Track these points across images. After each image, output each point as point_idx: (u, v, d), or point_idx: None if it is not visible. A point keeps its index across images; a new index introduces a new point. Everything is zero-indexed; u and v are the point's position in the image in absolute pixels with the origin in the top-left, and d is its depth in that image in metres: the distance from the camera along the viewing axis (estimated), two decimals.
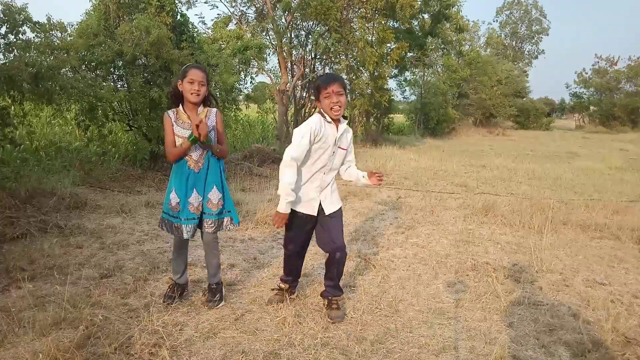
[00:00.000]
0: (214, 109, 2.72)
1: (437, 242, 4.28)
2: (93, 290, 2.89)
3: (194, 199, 2.62)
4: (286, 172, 2.47)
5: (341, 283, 2.86)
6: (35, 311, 2.55)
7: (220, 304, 2.79)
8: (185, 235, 2.64)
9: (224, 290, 2.88)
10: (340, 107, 2.50)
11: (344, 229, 4.59)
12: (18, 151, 5.71)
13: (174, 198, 2.62)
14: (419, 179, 7.68)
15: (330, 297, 2.76)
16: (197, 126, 2.47)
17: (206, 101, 2.68)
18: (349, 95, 13.53)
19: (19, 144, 5.33)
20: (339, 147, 2.64)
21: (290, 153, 2.47)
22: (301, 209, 2.63)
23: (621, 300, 3.12)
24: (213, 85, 7.12)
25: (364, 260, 3.69)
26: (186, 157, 2.59)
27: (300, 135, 2.50)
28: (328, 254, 2.72)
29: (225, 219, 2.75)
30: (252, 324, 2.60)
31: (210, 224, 2.68)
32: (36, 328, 2.36)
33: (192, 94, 2.54)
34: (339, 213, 2.72)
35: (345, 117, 2.68)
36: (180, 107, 2.63)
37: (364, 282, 3.26)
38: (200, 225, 2.70)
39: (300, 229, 2.70)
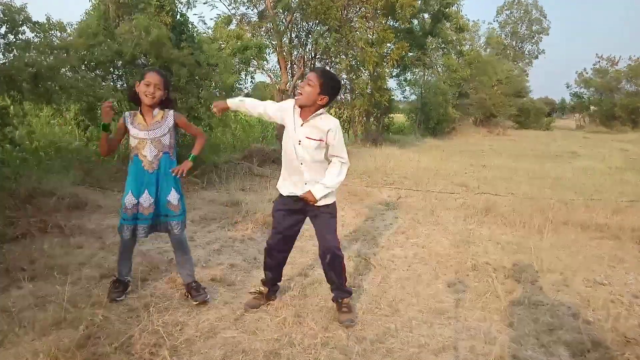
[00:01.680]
0: (171, 110, 2.76)
1: (437, 242, 4.28)
2: (93, 290, 2.89)
3: (145, 199, 2.65)
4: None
5: (356, 274, 2.85)
6: (36, 311, 2.55)
7: (207, 297, 2.81)
8: (140, 235, 2.70)
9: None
10: (301, 94, 2.53)
11: (344, 229, 4.62)
12: (18, 151, 5.71)
13: (130, 200, 2.65)
14: (419, 179, 7.67)
15: (339, 300, 2.73)
16: (105, 111, 2.57)
17: (166, 105, 2.74)
18: (348, 95, 13.60)
19: (18, 144, 5.32)
20: (307, 137, 2.54)
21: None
22: (284, 190, 2.68)
23: (621, 300, 3.12)
24: (213, 85, 7.12)
25: (364, 260, 3.69)
26: (140, 158, 2.65)
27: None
28: (319, 255, 2.71)
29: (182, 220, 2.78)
30: (252, 324, 2.60)
31: (175, 225, 2.73)
32: (36, 328, 2.36)
33: (146, 95, 2.60)
34: (330, 210, 2.67)
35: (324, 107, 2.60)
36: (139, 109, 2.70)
37: (364, 282, 3.26)
38: (155, 228, 2.75)
39: (280, 221, 2.71)
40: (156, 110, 2.69)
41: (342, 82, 13.29)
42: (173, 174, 2.64)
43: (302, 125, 2.55)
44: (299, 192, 2.62)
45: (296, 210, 2.70)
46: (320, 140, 2.55)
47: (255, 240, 4.18)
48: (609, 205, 5.74)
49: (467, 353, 2.38)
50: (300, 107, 2.56)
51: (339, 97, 13.47)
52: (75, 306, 2.59)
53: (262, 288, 2.89)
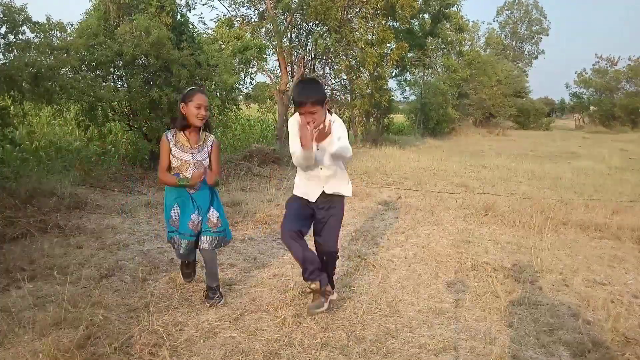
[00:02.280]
0: (212, 136, 2.78)
1: (437, 242, 4.28)
2: (93, 290, 2.89)
3: (195, 216, 2.70)
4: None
5: (336, 278, 2.94)
6: (35, 311, 2.55)
7: (221, 301, 2.82)
8: (182, 251, 2.74)
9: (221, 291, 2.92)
10: (314, 122, 2.46)
11: (344, 229, 4.62)
12: (18, 151, 5.72)
13: (174, 213, 2.72)
14: (419, 179, 7.67)
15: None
16: (196, 177, 2.58)
17: (208, 125, 2.77)
18: (348, 96, 13.61)
19: (19, 144, 5.33)
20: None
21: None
22: (298, 191, 2.72)
23: (621, 300, 3.12)
24: (213, 85, 7.13)
25: (364, 260, 3.69)
26: (181, 176, 2.65)
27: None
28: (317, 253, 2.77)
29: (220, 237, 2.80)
30: (252, 324, 2.60)
31: (211, 240, 2.74)
32: (36, 328, 2.36)
33: (198, 118, 2.59)
34: (337, 208, 2.71)
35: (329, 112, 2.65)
36: (179, 130, 2.67)
37: (364, 282, 3.26)
38: (196, 243, 2.77)
39: (295, 208, 2.70)
40: (202, 133, 2.72)
41: (342, 82, 13.39)
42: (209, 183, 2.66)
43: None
44: (313, 198, 2.68)
45: (308, 207, 2.72)
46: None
47: (255, 240, 4.18)
48: (609, 205, 5.74)
49: (467, 353, 2.38)
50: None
51: (339, 97, 13.51)
52: (75, 306, 2.59)
53: (312, 285, 2.68)
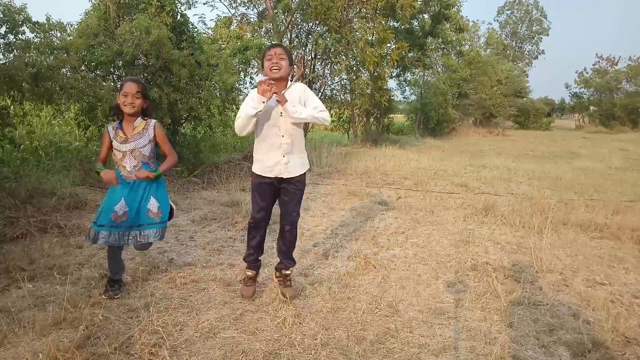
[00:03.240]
0: (153, 121, 2.79)
1: (437, 242, 4.28)
2: (93, 290, 2.89)
3: (120, 207, 2.66)
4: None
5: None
6: (35, 311, 2.55)
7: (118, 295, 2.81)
8: (129, 243, 2.71)
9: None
10: (278, 69, 2.67)
11: (344, 228, 4.62)
12: (18, 151, 5.71)
13: (121, 208, 2.65)
14: (419, 179, 7.67)
15: (283, 271, 2.97)
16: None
17: (147, 113, 2.78)
18: (348, 95, 13.60)
19: (19, 144, 5.33)
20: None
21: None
22: (262, 172, 2.79)
23: (621, 300, 3.12)
24: (213, 85, 7.12)
25: (364, 260, 3.69)
26: (120, 168, 2.70)
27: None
28: (281, 228, 2.94)
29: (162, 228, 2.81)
30: (252, 324, 2.60)
31: (155, 232, 2.75)
32: (36, 328, 2.36)
33: (125, 105, 2.66)
34: (300, 184, 2.84)
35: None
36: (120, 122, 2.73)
37: (364, 282, 3.26)
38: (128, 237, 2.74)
39: (261, 193, 2.82)
40: (138, 120, 2.73)
41: (342, 82, 13.38)
42: (134, 176, 2.68)
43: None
44: (274, 173, 2.77)
45: (272, 184, 2.83)
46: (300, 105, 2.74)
47: None
48: (609, 205, 5.74)
49: (467, 353, 2.38)
50: (275, 81, 2.66)
51: (339, 97, 13.50)
52: (75, 306, 2.59)
53: (249, 272, 2.98)
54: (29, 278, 2.96)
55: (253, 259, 2.98)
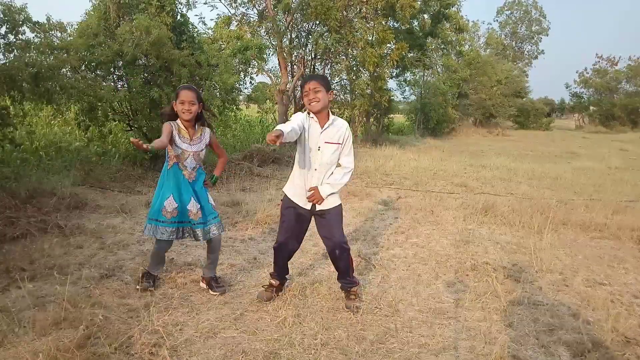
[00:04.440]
0: (208, 129, 2.93)
1: (437, 242, 4.28)
2: (93, 290, 2.89)
3: (192, 206, 2.82)
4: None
5: (355, 274, 2.98)
6: (35, 311, 2.55)
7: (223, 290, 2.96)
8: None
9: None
10: (317, 101, 2.63)
11: (345, 228, 4.61)
12: (18, 151, 5.71)
13: (171, 204, 2.79)
14: (419, 179, 7.67)
15: (347, 289, 2.90)
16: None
17: (201, 118, 2.89)
18: (348, 96, 13.60)
19: (19, 144, 5.33)
20: (327, 142, 2.69)
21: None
22: (294, 197, 2.77)
23: (621, 300, 3.12)
24: (213, 85, 7.13)
25: (364, 260, 3.69)
26: (181, 167, 2.80)
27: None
28: (328, 251, 2.84)
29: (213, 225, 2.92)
30: (252, 324, 2.60)
31: (218, 226, 2.92)
32: (36, 328, 2.36)
33: (183, 112, 2.74)
34: (334, 211, 2.77)
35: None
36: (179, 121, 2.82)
37: (364, 282, 3.26)
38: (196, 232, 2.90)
39: (290, 220, 2.80)
40: (196, 126, 2.86)
41: (342, 82, 13.39)
42: (204, 186, 2.90)
43: (321, 133, 2.69)
44: (302, 202, 2.75)
45: (303, 217, 2.81)
46: (338, 144, 2.71)
47: (255, 240, 4.17)
48: (609, 205, 5.74)
49: (467, 353, 2.38)
50: (317, 113, 2.66)
51: (339, 97, 13.50)
52: (75, 306, 2.59)
53: (272, 281, 2.97)
54: (29, 278, 2.96)
55: (277, 275, 3.00)
